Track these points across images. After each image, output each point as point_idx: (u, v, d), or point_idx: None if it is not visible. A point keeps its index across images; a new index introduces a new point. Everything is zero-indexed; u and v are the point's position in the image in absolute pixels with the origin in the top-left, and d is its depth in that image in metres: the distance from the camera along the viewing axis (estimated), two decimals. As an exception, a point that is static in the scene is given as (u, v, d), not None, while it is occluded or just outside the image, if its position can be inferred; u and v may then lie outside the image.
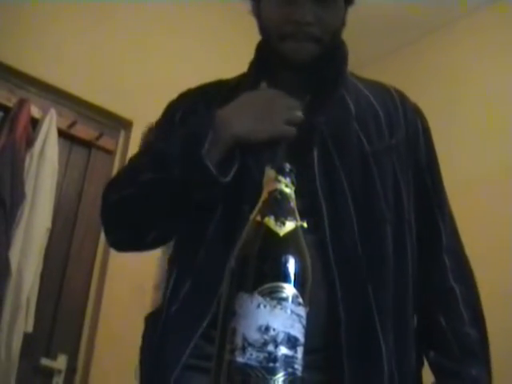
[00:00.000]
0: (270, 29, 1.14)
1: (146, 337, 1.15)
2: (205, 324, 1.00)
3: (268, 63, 1.20)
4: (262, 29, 1.18)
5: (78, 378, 2.76)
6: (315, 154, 1.08)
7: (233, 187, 1.04)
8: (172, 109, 1.26)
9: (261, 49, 1.23)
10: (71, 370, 2.73)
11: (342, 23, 1.18)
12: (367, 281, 1.03)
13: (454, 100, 3.48)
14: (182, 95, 1.28)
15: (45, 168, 2.70)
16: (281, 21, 1.11)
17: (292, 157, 1.01)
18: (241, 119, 1.07)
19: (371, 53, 3.84)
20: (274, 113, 1.08)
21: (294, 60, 1.14)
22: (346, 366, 0.98)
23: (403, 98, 1.24)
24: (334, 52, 1.17)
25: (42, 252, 2.64)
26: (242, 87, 1.19)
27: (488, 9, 3.45)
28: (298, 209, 0.99)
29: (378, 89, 1.24)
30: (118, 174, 1.25)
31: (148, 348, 1.11)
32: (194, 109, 1.19)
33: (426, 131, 1.23)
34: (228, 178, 1.03)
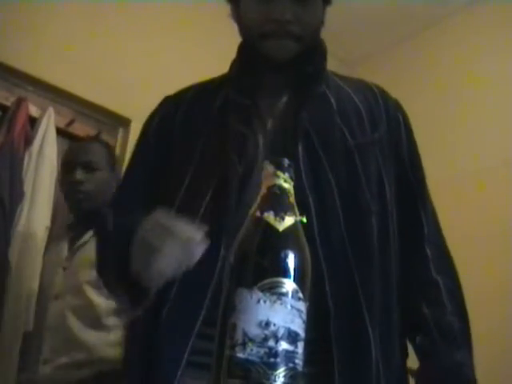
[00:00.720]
0: (251, 28, 1.16)
1: (130, 343, 1.15)
2: (199, 323, 1.00)
3: (249, 63, 1.21)
4: (243, 29, 1.20)
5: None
6: (300, 149, 1.09)
7: (218, 182, 1.06)
8: (150, 118, 1.29)
9: (242, 49, 1.25)
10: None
11: (321, 22, 1.20)
12: (355, 273, 1.04)
13: (452, 94, 3.48)
14: (161, 103, 1.31)
15: (43, 167, 2.70)
16: (261, 19, 1.13)
17: (277, 153, 1.03)
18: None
19: (369, 48, 3.85)
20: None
21: (274, 58, 1.15)
22: (336, 358, 0.99)
23: (384, 94, 1.26)
24: (313, 50, 1.19)
25: (42, 250, 2.63)
26: (225, 86, 1.22)
27: (486, 2, 3.45)
28: None
29: (359, 86, 1.26)
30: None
31: (136, 352, 1.10)
32: (173, 113, 1.23)
33: (408, 126, 1.25)
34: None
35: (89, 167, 2.15)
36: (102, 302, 1.96)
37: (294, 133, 1.11)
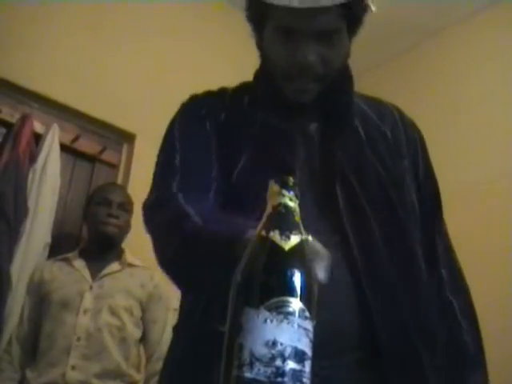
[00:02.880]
0: (274, 68, 1.13)
1: (172, 349, 1.14)
2: None
3: (274, 98, 1.17)
4: (266, 61, 1.17)
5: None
6: (338, 188, 1.08)
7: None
8: (199, 111, 1.21)
9: (265, 79, 1.20)
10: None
11: (347, 56, 1.16)
12: (406, 309, 1.04)
13: (454, 105, 3.49)
14: (195, 102, 1.24)
15: (46, 184, 2.71)
16: (285, 62, 1.09)
17: (318, 187, 1.06)
18: None
19: (370, 59, 3.85)
20: None
21: (297, 102, 1.13)
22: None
23: (401, 114, 1.27)
24: (338, 83, 1.15)
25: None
26: (258, 107, 1.18)
27: (488, 12, 3.46)
28: (327, 240, 0.95)
29: (380, 108, 1.26)
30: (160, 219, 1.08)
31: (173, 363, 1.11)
32: (214, 118, 1.17)
33: (424, 146, 1.26)
34: None
35: (122, 207, 2.52)
36: (131, 327, 2.33)
37: (330, 171, 1.10)
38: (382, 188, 1.12)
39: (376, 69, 3.93)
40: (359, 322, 1.01)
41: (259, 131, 1.15)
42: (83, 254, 2.48)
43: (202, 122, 1.17)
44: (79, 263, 2.43)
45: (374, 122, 1.20)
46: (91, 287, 2.33)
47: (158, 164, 1.18)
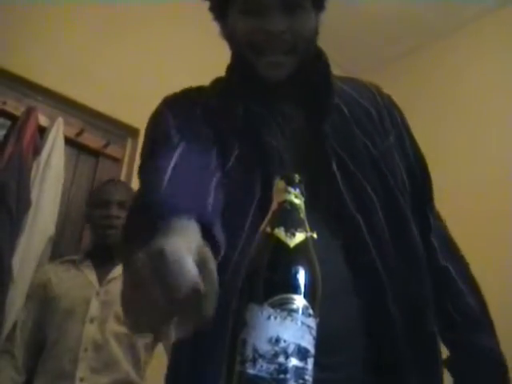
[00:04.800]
0: (243, 43, 1.11)
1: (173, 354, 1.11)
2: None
3: (249, 81, 1.16)
4: (235, 46, 1.17)
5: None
6: (334, 166, 1.07)
7: (248, 205, 1.03)
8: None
9: (237, 66, 1.20)
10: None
11: (315, 31, 1.15)
12: (410, 282, 1.04)
13: (457, 104, 3.49)
14: (168, 104, 1.25)
15: (50, 176, 2.71)
16: (253, 32, 1.09)
17: (311, 169, 1.04)
18: None
19: (374, 60, 3.85)
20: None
21: (272, 78, 1.11)
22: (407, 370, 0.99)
23: (380, 91, 1.26)
24: (313, 60, 1.16)
25: (45, 259, 2.62)
26: (236, 96, 1.17)
27: (490, 16, 3.46)
28: (330, 218, 1.01)
29: (360, 87, 1.25)
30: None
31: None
32: (192, 112, 1.17)
33: (404, 120, 1.25)
34: None
35: (122, 205, 2.39)
36: None
37: (323, 150, 1.09)
38: (374, 162, 1.11)
39: (382, 68, 3.92)
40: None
41: (243, 121, 1.13)
42: (90, 256, 2.41)
43: (193, 107, 1.17)
44: (86, 266, 2.36)
45: (355, 100, 1.19)
46: (97, 293, 2.26)
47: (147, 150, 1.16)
